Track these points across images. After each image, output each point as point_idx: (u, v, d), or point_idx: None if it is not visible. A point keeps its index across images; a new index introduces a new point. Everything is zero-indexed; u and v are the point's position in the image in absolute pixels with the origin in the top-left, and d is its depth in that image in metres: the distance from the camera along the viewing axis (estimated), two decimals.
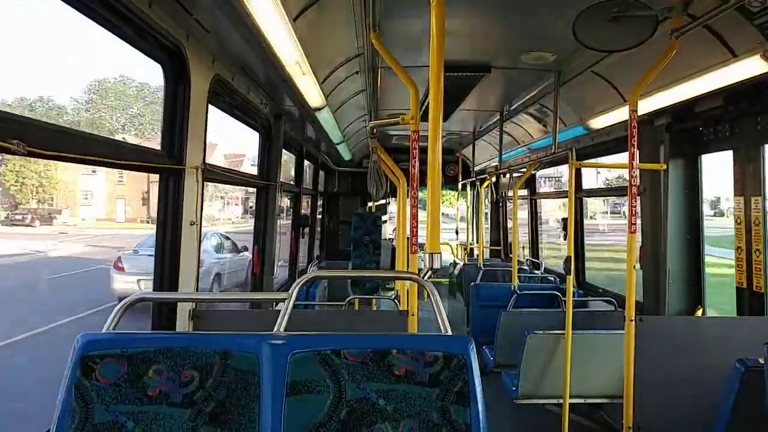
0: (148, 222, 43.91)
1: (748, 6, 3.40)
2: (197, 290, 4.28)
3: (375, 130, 5.13)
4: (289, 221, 9.04)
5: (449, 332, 2.42)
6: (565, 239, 7.07)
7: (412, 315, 3.90)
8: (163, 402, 2.20)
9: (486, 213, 13.80)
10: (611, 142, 6.70)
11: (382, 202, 12.83)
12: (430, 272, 2.86)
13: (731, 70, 3.94)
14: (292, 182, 8.84)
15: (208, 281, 14.77)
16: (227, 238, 17.76)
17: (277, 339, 2.32)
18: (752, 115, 4.50)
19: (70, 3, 2.69)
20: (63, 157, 2.71)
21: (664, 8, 3.69)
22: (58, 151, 2.62)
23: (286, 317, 2.45)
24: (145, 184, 45.24)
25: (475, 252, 12.26)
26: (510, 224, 12.06)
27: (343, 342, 2.32)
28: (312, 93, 4.91)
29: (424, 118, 3.36)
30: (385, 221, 13.33)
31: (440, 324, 2.46)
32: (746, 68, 3.82)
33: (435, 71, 2.96)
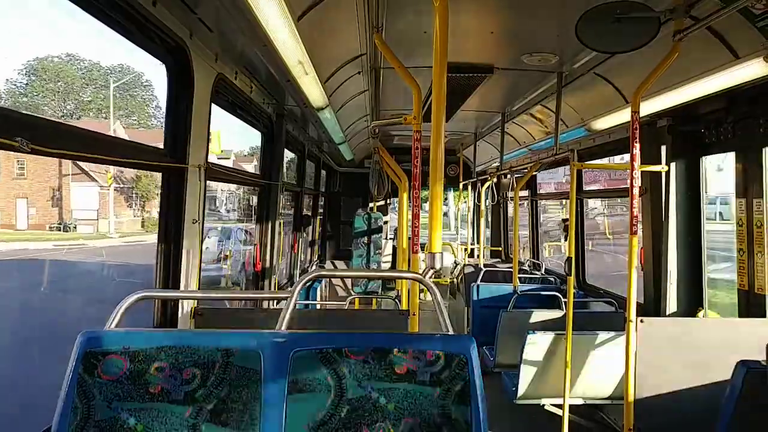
0: (60, 229, 35.33)
1: (750, 8, 3.40)
2: (199, 288, 4.29)
3: (377, 130, 5.15)
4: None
5: (451, 332, 2.43)
6: (566, 240, 7.08)
7: (414, 314, 3.91)
8: (165, 399, 2.21)
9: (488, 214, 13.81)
10: (613, 143, 6.71)
11: (382, 202, 12.84)
12: (432, 272, 2.87)
13: (734, 73, 3.94)
14: (293, 182, 8.86)
15: (236, 268, 15.86)
16: (251, 234, 19.13)
17: (279, 337, 2.33)
18: (754, 117, 4.50)
19: (75, 1, 2.70)
20: (67, 154, 2.72)
21: (667, 10, 3.70)
22: (62, 149, 2.63)
23: (288, 315, 2.46)
24: (54, 179, 36.13)
25: (476, 252, 12.27)
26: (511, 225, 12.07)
27: (345, 340, 2.33)
28: (314, 93, 4.92)
29: (427, 118, 3.37)
30: (386, 221, 13.32)
31: (442, 323, 2.47)
32: (749, 71, 3.82)
33: (438, 72, 2.97)
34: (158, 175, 3.92)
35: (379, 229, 10.93)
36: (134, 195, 42.79)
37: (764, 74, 3.75)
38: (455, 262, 12.31)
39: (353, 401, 2.26)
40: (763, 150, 4.54)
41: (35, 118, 2.51)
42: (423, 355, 2.30)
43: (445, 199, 14.82)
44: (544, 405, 5.56)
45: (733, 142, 4.84)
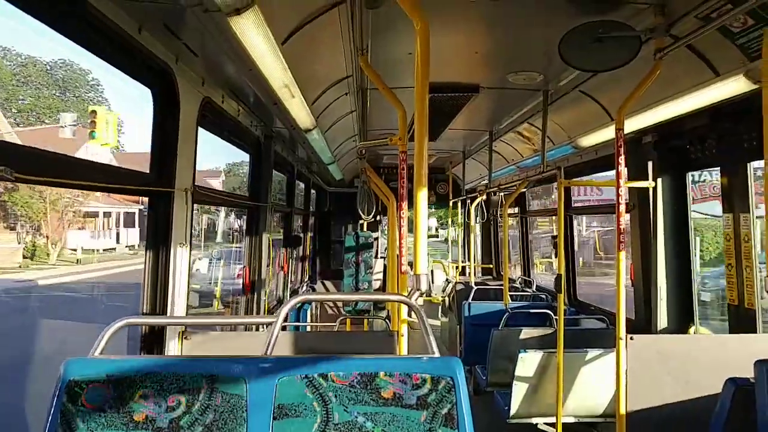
0: None
1: (729, 27, 3.45)
2: (187, 312, 4.26)
3: (364, 151, 5.16)
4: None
5: (437, 354, 2.42)
6: (556, 257, 7.09)
7: (402, 335, 3.89)
8: (149, 427, 2.19)
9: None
10: (600, 160, 6.75)
11: (373, 221, 12.84)
12: (417, 293, 2.87)
13: (715, 89, 3.99)
14: (283, 202, 8.86)
15: None
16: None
17: (265, 362, 2.32)
18: (738, 133, 4.55)
19: (60, 31, 2.71)
20: (51, 182, 2.71)
21: (647, 29, 3.75)
22: (46, 176, 2.62)
23: (273, 341, 2.46)
24: None
25: (467, 270, 12.26)
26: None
27: (331, 365, 2.32)
28: (301, 115, 4.93)
29: (413, 138, 3.38)
30: (377, 237, 13.30)
31: (428, 346, 2.46)
32: (730, 87, 3.87)
33: (420, 92, 2.98)
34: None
35: (370, 248, 10.92)
36: (17, 213, 33.35)
37: (745, 90, 3.80)
38: (447, 280, 12.29)
39: (340, 426, 2.25)
40: (748, 165, 4.58)
41: (18, 146, 2.51)
42: (409, 378, 2.30)
43: (442, 224, 14.87)
44: (537, 424, 5.53)
45: (718, 157, 4.88)
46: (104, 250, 37.33)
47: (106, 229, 40.40)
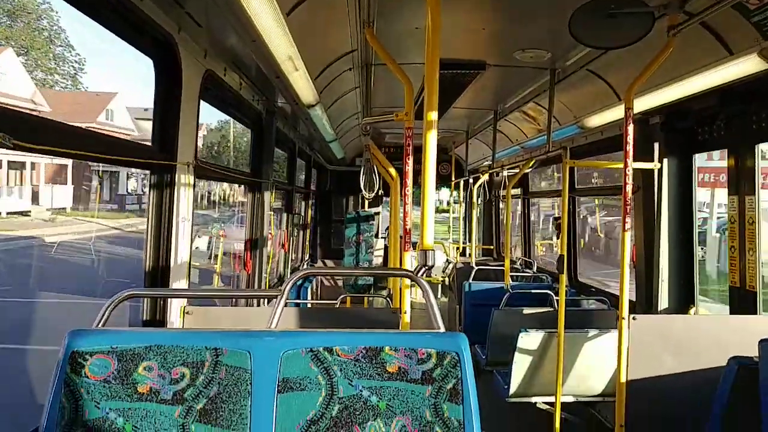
0: None
1: (745, 3, 3.38)
2: (189, 286, 4.25)
3: (368, 127, 5.11)
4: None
5: (442, 329, 2.40)
6: (558, 238, 7.06)
7: (405, 312, 3.88)
8: (154, 399, 2.19)
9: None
10: (605, 140, 6.69)
11: (375, 197, 12.80)
12: (424, 269, 2.84)
13: (728, 69, 3.92)
14: (284, 180, 8.81)
15: None
16: None
17: (270, 336, 2.31)
18: (747, 114, 4.49)
19: None
20: (51, 151, 2.66)
21: (661, 5, 3.68)
22: (46, 145, 2.58)
23: (279, 314, 2.44)
24: None
25: (468, 251, 12.24)
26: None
27: (336, 339, 2.31)
28: (304, 89, 4.87)
29: (418, 115, 3.33)
30: (378, 212, 13.28)
31: (434, 321, 2.44)
32: (743, 67, 3.81)
33: (431, 67, 2.94)
34: None
35: (371, 228, 10.89)
36: None
37: (758, 70, 3.74)
38: (447, 261, 12.28)
39: (344, 400, 2.24)
40: (756, 147, 4.54)
41: (18, 112, 2.45)
42: (414, 353, 2.29)
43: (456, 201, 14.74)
44: (536, 403, 5.53)
45: (726, 139, 4.83)
46: (9, 213, 27.40)
47: (20, 183, 29.90)
